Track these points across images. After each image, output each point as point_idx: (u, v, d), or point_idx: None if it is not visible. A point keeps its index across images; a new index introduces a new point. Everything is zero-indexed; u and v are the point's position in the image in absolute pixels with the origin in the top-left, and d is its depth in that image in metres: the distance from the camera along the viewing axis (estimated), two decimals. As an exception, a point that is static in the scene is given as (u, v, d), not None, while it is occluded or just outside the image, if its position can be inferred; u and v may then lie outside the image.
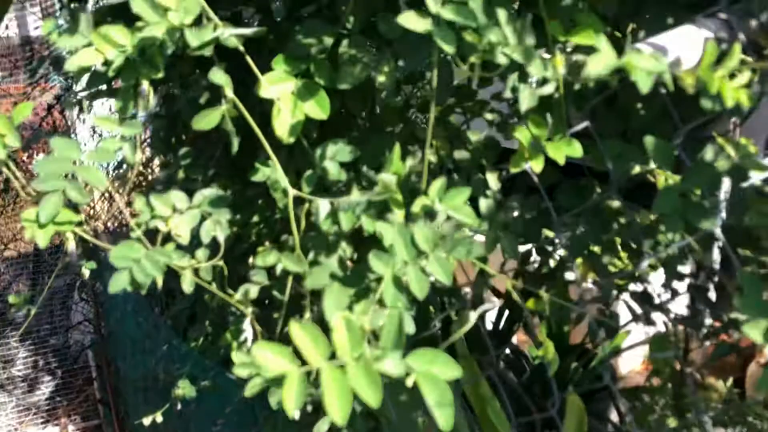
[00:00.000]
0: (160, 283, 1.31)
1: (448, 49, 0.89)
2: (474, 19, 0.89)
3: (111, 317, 4.12)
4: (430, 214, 1.40)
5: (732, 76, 0.83)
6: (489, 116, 1.40)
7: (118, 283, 1.19)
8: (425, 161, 1.06)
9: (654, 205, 1.11)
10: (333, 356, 0.80)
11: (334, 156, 1.20)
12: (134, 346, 3.54)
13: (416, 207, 1.05)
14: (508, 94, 1.16)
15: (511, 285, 2.07)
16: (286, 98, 1.31)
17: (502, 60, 0.96)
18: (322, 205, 1.11)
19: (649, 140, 1.07)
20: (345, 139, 1.38)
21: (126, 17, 1.23)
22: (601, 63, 0.84)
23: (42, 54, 4.04)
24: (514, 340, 2.91)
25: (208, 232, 1.46)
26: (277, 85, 1.31)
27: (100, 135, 4.08)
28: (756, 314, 0.84)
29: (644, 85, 0.82)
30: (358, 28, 1.35)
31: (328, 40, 1.34)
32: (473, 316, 1.04)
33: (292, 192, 1.15)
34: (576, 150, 1.21)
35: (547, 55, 1.15)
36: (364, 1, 1.33)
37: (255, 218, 1.80)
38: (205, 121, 1.13)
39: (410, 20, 0.91)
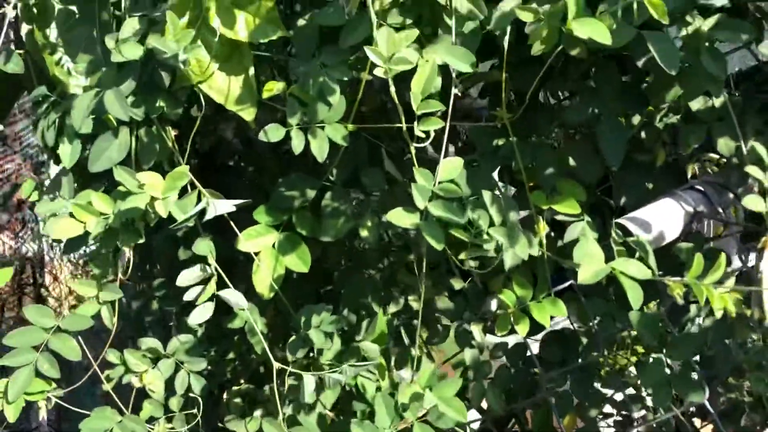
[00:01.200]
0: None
1: (437, 245, 0.89)
2: (461, 215, 0.89)
3: (74, 420, 3.95)
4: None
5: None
6: (472, 263, 1.39)
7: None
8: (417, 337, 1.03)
9: (641, 379, 1.10)
10: None
11: (319, 325, 1.17)
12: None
13: (404, 397, 1.02)
14: (492, 254, 1.15)
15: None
16: (266, 253, 1.29)
17: (490, 247, 0.96)
18: (308, 382, 1.07)
19: (634, 315, 1.07)
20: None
21: (108, 178, 1.21)
22: (590, 271, 0.84)
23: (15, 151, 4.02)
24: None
25: (183, 383, 1.42)
26: (258, 239, 1.29)
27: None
28: None
29: (635, 300, 0.83)
30: (341, 180, 1.35)
31: (311, 193, 1.33)
32: None
33: (276, 365, 1.12)
34: (561, 310, 1.21)
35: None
36: (349, 153, 1.33)
37: (230, 354, 1.74)
38: (196, 295, 1.11)
39: (399, 217, 0.91)
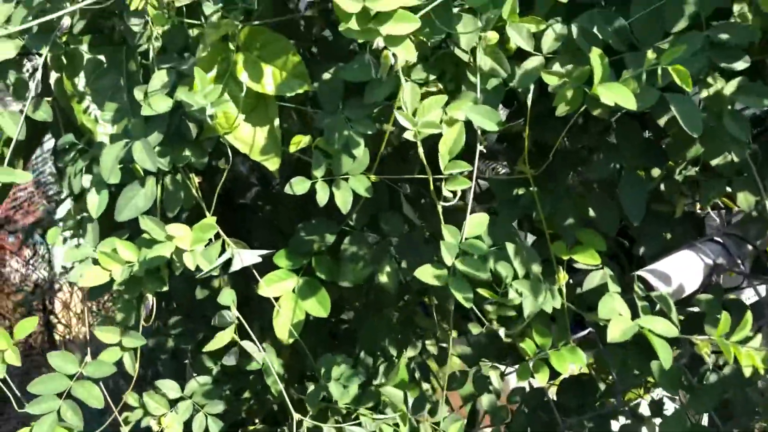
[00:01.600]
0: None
1: (466, 303, 0.90)
2: (487, 270, 0.90)
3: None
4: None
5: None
6: (489, 307, 1.40)
7: None
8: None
9: (660, 428, 1.10)
10: None
11: (339, 378, 1.18)
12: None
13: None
14: (513, 298, 1.16)
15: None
16: (287, 297, 1.30)
17: (515, 298, 0.97)
18: (328, 435, 1.08)
19: (655, 366, 1.08)
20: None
21: (130, 223, 1.23)
22: (619, 330, 0.85)
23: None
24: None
25: (200, 425, 1.42)
26: (279, 283, 1.30)
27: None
28: None
29: (665, 360, 0.83)
30: (360, 224, 1.36)
31: (330, 237, 1.35)
32: None
33: (297, 416, 1.12)
34: (580, 359, 1.21)
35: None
36: (368, 197, 1.35)
37: (246, 393, 1.74)
38: (217, 342, 1.12)
39: (426, 274, 0.92)
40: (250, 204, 1.88)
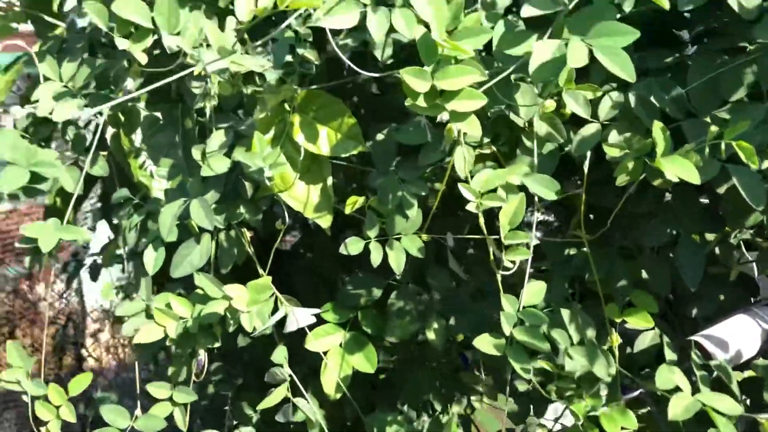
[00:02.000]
0: None
1: (525, 375, 0.89)
2: (545, 341, 0.90)
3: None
4: None
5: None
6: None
7: None
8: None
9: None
10: None
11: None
12: None
13: None
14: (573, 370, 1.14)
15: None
16: (334, 352, 1.31)
17: (571, 366, 0.96)
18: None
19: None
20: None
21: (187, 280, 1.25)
22: (681, 407, 0.84)
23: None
24: None
25: (244, 477, 1.42)
26: (326, 338, 1.31)
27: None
28: None
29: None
30: (407, 279, 1.36)
31: (377, 292, 1.35)
32: None
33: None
34: (631, 422, 1.19)
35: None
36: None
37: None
38: (269, 401, 1.13)
39: (485, 344, 0.92)
40: (291, 250, 1.90)
